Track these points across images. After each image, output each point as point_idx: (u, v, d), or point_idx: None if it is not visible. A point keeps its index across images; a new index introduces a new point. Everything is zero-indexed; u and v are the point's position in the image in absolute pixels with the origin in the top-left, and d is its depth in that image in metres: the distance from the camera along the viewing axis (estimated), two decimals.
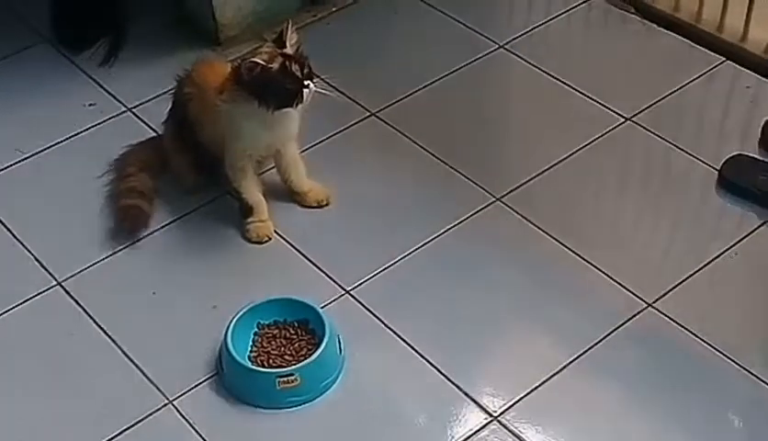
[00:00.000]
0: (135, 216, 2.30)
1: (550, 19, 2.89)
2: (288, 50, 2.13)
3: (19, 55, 2.83)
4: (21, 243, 2.32)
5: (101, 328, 2.14)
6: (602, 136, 2.53)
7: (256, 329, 2.09)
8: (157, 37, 2.85)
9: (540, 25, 2.87)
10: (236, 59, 2.54)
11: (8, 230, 2.35)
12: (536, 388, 2.01)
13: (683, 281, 2.19)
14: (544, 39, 2.84)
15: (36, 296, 2.21)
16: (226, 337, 2.02)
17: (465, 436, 1.95)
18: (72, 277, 2.24)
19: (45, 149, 2.54)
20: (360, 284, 2.21)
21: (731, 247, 2.25)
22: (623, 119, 2.57)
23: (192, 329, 2.13)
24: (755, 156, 2.43)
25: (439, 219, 2.33)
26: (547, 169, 2.44)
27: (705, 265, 2.22)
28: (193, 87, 2.28)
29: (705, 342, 2.07)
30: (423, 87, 2.68)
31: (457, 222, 2.33)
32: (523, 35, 2.84)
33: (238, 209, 2.33)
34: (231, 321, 2.04)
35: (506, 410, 1.98)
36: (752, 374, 2.01)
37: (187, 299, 2.20)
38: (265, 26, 2.77)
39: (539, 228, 2.31)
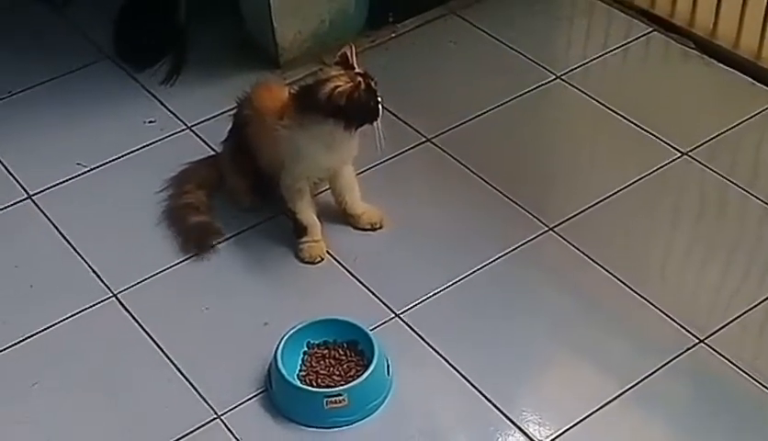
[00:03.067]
0: (205, 234, 2.34)
1: (608, 52, 2.89)
2: (360, 70, 2.16)
3: (83, 71, 2.89)
4: (79, 255, 2.36)
5: (154, 341, 2.17)
6: (657, 170, 2.52)
7: (306, 348, 2.10)
8: (218, 58, 2.90)
9: (598, 57, 2.87)
10: (294, 82, 2.58)
11: (67, 241, 2.40)
12: (583, 419, 2.00)
13: (736, 318, 2.17)
14: (601, 71, 2.84)
15: (91, 307, 2.25)
16: (276, 355, 2.03)
17: None
18: (127, 289, 2.28)
19: (105, 163, 2.59)
20: (410, 308, 2.21)
21: None
22: (679, 154, 2.56)
23: (243, 345, 2.15)
24: None
25: (491, 246, 2.33)
26: (601, 200, 2.44)
27: (759, 303, 2.20)
28: (251, 110, 2.31)
29: (756, 380, 2.05)
30: (479, 115, 2.69)
31: (508, 250, 2.33)
32: (580, 66, 2.84)
33: (292, 229, 2.35)
34: (282, 339, 2.06)
35: (552, 440, 1.97)
36: None
37: (239, 315, 2.22)
38: (324, 50, 2.81)
39: (591, 259, 2.30)
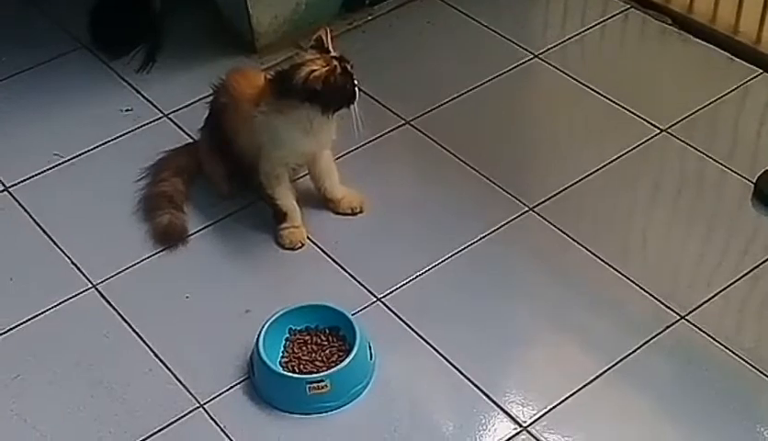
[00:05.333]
0: (172, 233, 2.32)
1: (586, 30, 2.88)
2: (336, 53, 2.15)
3: (58, 61, 2.87)
4: (58, 246, 2.35)
5: (135, 331, 2.16)
6: (636, 147, 2.52)
7: (288, 334, 2.10)
8: (194, 44, 2.88)
9: (576, 35, 2.87)
10: (271, 68, 2.57)
11: (45, 233, 2.38)
12: (566, 398, 2.01)
13: (717, 294, 2.18)
14: (579, 50, 2.84)
15: (71, 298, 2.24)
16: (258, 342, 2.03)
17: None
18: (107, 279, 2.27)
19: (82, 153, 2.58)
20: (392, 291, 2.21)
21: (766, 260, 2.23)
22: (658, 131, 2.56)
23: (224, 333, 2.14)
24: None
25: (472, 228, 2.33)
26: (581, 179, 2.44)
27: (739, 278, 2.20)
28: (228, 97, 2.30)
29: (737, 355, 2.06)
30: (458, 96, 2.68)
31: (489, 231, 2.33)
32: (558, 45, 2.84)
33: (271, 216, 2.34)
34: (263, 326, 2.06)
35: (536, 420, 1.98)
36: None
37: (220, 303, 2.21)
38: (300, 34, 2.79)
39: (572, 238, 2.30)
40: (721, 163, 2.46)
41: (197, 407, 2.02)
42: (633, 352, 2.07)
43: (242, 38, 2.85)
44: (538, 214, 2.36)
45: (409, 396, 2.04)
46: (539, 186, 2.42)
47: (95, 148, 2.59)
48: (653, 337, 2.10)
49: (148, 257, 2.31)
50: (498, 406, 2.00)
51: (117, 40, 2.89)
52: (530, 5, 3.01)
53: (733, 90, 2.65)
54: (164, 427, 1.99)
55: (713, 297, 2.17)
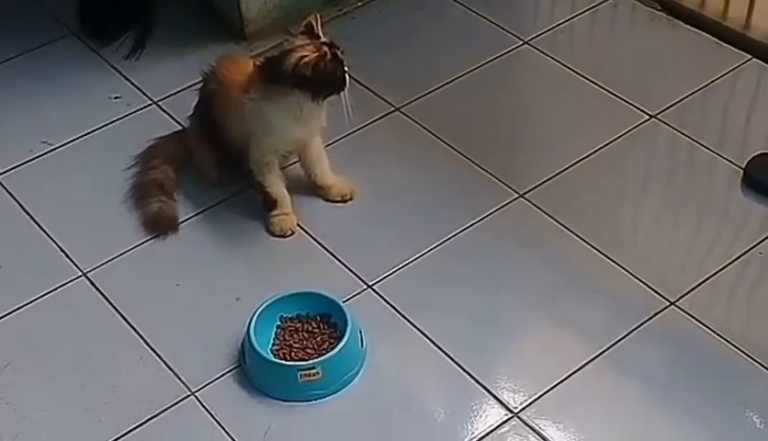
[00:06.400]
0: (162, 221, 2.32)
1: (575, 16, 2.88)
2: (326, 39, 2.14)
3: (46, 48, 2.85)
4: (47, 235, 2.34)
5: (125, 319, 2.16)
6: (626, 133, 2.52)
7: (279, 322, 2.10)
8: (183, 30, 2.87)
9: (565, 21, 2.87)
10: (260, 54, 2.56)
11: (35, 221, 2.37)
12: (556, 384, 2.01)
13: (707, 280, 2.18)
14: (569, 36, 2.84)
15: (61, 286, 2.23)
16: (249, 330, 2.03)
17: (485, 432, 1.95)
18: (97, 268, 2.26)
19: (71, 141, 2.57)
20: (382, 278, 2.21)
21: (756, 246, 2.24)
22: (647, 117, 2.56)
23: (215, 321, 2.14)
24: None
25: (462, 214, 2.33)
26: (571, 166, 2.44)
27: (728, 264, 2.21)
28: (217, 84, 2.29)
29: (727, 340, 2.07)
30: (448, 83, 2.68)
31: (479, 218, 2.33)
32: (548, 31, 2.83)
33: (261, 203, 2.34)
34: (254, 313, 2.06)
35: (527, 406, 1.99)
36: None
37: (211, 291, 2.21)
38: (290, 20, 2.78)
39: (562, 225, 2.31)
40: (710, 149, 2.47)
41: (189, 395, 2.02)
42: (623, 338, 2.08)
43: (231, 24, 2.84)
44: (528, 201, 2.37)
45: (400, 383, 2.04)
46: (529, 173, 2.43)
47: (84, 135, 2.58)
48: (643, 323, 2.11)
49: (138, 245, 2.30)
50: (489, 392, 2.01)
51: (105, 27, 2.87)
52: None
53: (722, 76, 2.66)
54: (156, 415, 1.99)
55: (702, 283, 2.18)
